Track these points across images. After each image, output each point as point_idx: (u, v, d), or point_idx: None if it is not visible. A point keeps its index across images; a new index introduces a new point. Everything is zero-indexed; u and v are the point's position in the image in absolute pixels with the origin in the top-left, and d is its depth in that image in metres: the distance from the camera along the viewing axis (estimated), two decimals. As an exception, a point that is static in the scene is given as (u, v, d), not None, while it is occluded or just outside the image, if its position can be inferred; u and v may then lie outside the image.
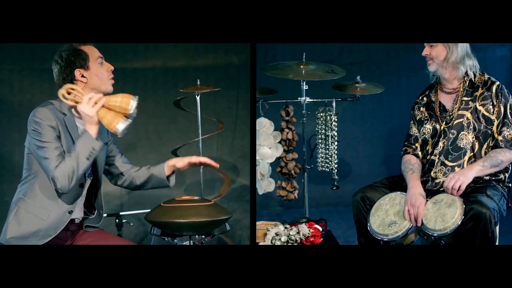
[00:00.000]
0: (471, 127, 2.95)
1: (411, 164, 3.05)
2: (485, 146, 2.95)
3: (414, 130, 3.13)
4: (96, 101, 2.56)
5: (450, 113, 3.01)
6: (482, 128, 2.94)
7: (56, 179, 2.49)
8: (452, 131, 2.98)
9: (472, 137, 2.95)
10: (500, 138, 2.93)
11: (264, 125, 3.59)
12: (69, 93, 2.56)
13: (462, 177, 2.83)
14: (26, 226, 2.57)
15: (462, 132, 2.96)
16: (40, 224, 2.58)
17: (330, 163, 3.57)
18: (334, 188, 3.58)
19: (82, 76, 2.63)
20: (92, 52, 2.67)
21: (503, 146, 2.92)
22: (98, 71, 2.66)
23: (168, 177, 2.83)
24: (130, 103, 2.59)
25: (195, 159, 2.82)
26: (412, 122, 3.16)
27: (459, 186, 2.80)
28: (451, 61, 2.95)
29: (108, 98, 2.58)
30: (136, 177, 2.85)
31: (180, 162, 2.81)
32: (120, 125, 2.55)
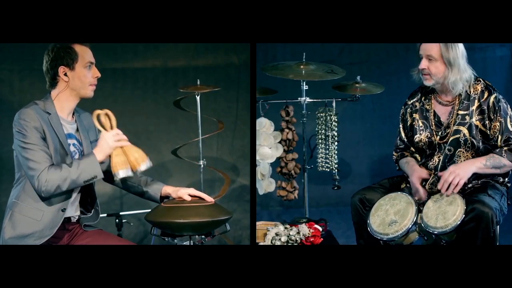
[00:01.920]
0: (469, 145, 2.87)
1: (408, 159, 3.06)
2: None
3: (403, 135, 3.11)
4: (120, 139, 2.59)
5: (446, 127, 2.93)
6: (480, 144, 2.87)
7: (41, 182, 2.49)
8: (449, 147, 2.91)
9: (472, 154, 2.89)
10: (505, 148, 2.84)
11: (264, 125, 3.59)
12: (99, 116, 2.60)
13: (462, 172, 2.76)
14: (21, 229, 2.57)
15: (459, 149, 2.90)
16: (35, 226, 2.58)
17: (330, 163, 3.57)
18: (335, 188, 3.58)
19: (65, 74, 2.64)
20: (84, 54, 2.66)
21: (506, 157, 2.84)
22: (82, 74, 2.65)
23: (161, 197, 2.82)
24: (142, 165, 2.62)
25: (192, 192, 2.78)
26: (402, 126, 3.12)
27: (458, 182, 2.75)
28: (450, 82, 2.84)
29: (130, 145, 2.62)
30: (130, 186, 2.85)
31: (175, 194, 2.78)
32: (122, 173, 2.59)
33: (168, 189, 2.80)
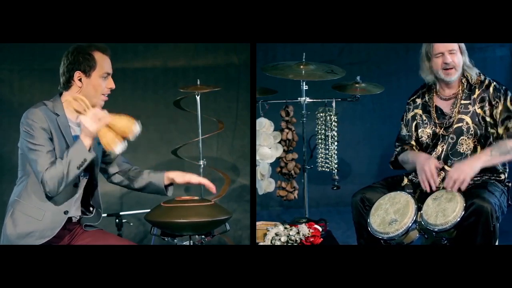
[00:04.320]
0: (471, 132, 2.93)
1: (409, 151, 3.07)
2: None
3: (404, 131, 3.13)
4: (100, 118, 2.53)
5: (450, 118, 2.98)
6: (482, 131, 2.92)
7: (45, 183, 2.49)
8: (452, 136, 2.96)
9: (474, 142, 2.93)
10: (505, 131, 2.90)
11: (264, 125, 3.59)
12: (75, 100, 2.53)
13: (468, 168, 2.79)
14: (21, 227, 2.57)
15: (461, 137, 2.95)
16: (36, 225, 2.58)
17: (330, 163, 3.57)
18: (335, 188, 3.58)
19: (80, 80, 2.62)
20: (103, 63, 2.64)
21: (508, 139, 2.88)
22: (97, 83, 2.63)
23: (166, 186, 2.83)
24: (133, 129, 2.57)
25: (194, 179, 2.80)
26: (403, 123, 3.15)
27: (464, 179, 2.76)
28: (466, 67, 2.95)
29: (112, 117, 2.55)
30: (134, 181, 2.84)
31: (180, 178, 2.80)
32: (118, 148, 2.55)
33: (171, 174, 2.80)
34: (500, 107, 2.91)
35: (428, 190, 2.86)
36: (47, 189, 2.50)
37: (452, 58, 2.92)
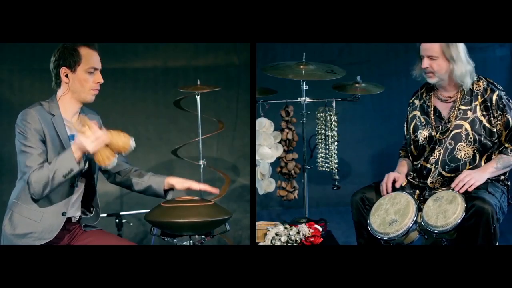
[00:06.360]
0: (471, 139, 2.90)
1: (401, 161, 3.14)
2: (485, 156, 2.92)
3: (405, 133, 3.14)
4: (99, 138, 2.51)
5: (446, 122, 2.96)
6: (482, 139, 2.90)
7: (30, 184, 2.49)
8: (450, 141, 2.94)
9: (473, 150, 2.91)
10: (510, 147, 2.90)
11: (264, 125, 3.59)
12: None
13: (478, 176, 2.83)
14: (20, 229, 2.58)
15: (460, 143, 2.93)
16: (34, 227, 2.58)
17: (330, 163, 3.58)
18: (335, 188, 3.58)
19: (66, 76, 2.63)
20: (89, 58, 2.64)
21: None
22: (83, 78, 2.63)
23: (166, 191, 2.82)
24: (129, 146, 2.58)
25: (195, 186, 2.81)
26: (405, 125, 3.16)
27: (472, 183, 2.80)
28: (457, 76, 2.89)
29: (111, 136, 2.55)
30: (134, 183, 2.84)
31: (180, 185, 2.81)
32: (112, 164, 2.56)
33: (171, 180, 2.80)
34: (506, 121, 2.88)
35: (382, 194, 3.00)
36: (31, 190, 2.50)
37: (430, 63, 2.90)
